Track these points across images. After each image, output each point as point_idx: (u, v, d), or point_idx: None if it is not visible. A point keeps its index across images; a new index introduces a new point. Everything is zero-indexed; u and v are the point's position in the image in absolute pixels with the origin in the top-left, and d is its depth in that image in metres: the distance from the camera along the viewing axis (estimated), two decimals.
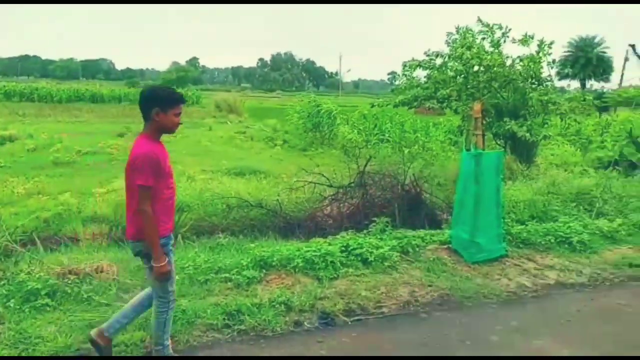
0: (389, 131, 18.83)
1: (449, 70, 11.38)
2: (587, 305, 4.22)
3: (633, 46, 12.02)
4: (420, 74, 12.51)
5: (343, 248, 5.02)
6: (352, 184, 7.99)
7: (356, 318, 3.93)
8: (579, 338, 3.64)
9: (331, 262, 4.70)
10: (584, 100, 12.16)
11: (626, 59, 30.21)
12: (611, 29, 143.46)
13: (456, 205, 5.41)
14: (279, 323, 3.69)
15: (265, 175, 10.95)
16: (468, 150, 5.22)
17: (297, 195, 8.01)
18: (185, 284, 4.21)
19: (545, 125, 11.16)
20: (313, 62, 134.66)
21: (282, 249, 4.86)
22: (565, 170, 11.20)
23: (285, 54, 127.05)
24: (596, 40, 42.24)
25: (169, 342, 3.15)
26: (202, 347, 3.42)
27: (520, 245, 5.59)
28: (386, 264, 4.93)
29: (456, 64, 11.18)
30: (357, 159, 8.68)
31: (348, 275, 4.61)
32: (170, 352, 3.14)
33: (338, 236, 5.66)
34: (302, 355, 3.37)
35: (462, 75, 11.40)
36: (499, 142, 12.40)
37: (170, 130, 2.93)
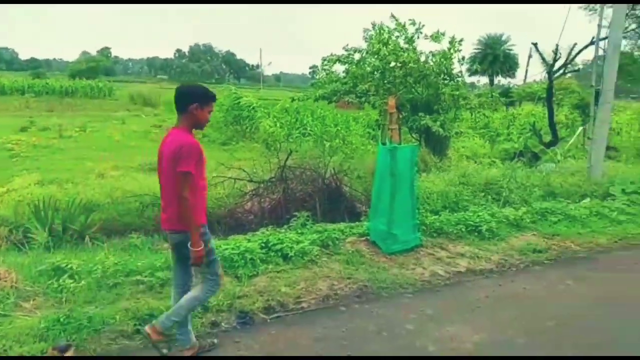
0: (310, 125, 18.89)
1: (366, 65, 11.60)
2: (495, 291, 4.45)
3: (535, 44, 12.83)
4: (340, 68, 12.68)
5: (263, 244, 4.94)
6: (273, 179, 7.92)
7: (275, 315, 3.88)
8: (488, 323, 3.82)
9: (250, 259, 4.61)
10: (492, 95, 12.84)
11: (530, 57, 32.49)
12: (516, 28, 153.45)
13: (373, 197, 5.51)
14: (194, 325, 3.55)
15: None
16: (384, 144, 5.32)
17: (217, 191, 7.81)
18: (92, 289, 3.95)
19: (457, 120, 11.71)
20: (233, 54, 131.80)
21: None
22: (475, 162, 11.84)
23: (204, 45, 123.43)
24: (503, 38, 44.99)
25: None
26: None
27: (434, 235, 5.81)
28: (306, 258, 4.92)
29: (373, 59, 11.42)
30: (278, 153, 8.63)
31: (268, 272, 4.55)
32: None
33: (258, 232, 5.57)
34: (288, 356, 3.32)
35: (379, 71, 11.66)
36: (414, 136, 12.85)
37: (203, 125, 3.08)
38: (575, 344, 3.51)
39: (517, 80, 42.51)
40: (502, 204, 7.29)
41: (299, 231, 5.70)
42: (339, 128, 17.83)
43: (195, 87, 3.15)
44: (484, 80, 46.02)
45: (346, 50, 11.63)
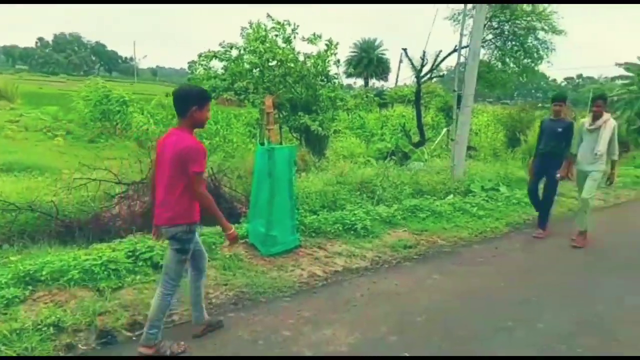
0: None
1: (245, 62, 11.42)
2: (370, 289, 4.56)
3: (405, 50, 13.60)
4: (218, 65, 12.34)
5: (130, 253, 4.55)
6: (146, 180, 7.41)
7: (142, 332, 3.57)
8: (363, 322, 3.88)
9: (115, 270, 4.21)
10: (367, 97, 13.39)
11: (400, 62, 34.52)
12: (388, 34, 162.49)
13: (252, 199, 5.37)
14: (45, 349, 3.14)
15: (42, 171, 9.52)
16: (262, 144, 5.20)
17: (80, 194, 7.10)
18: None
19: (335, 120, 12.00)
20: (104, 45, 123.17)
21: (54, 260, 4.18)
22: (352, 161, 12.23)
23: (70, 34, 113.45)
24: (376, 43, 47.39)
25: (163, 325, 3.30)
26: None
27: (313, 235, 5.83)
28: None
29: (252, 57, 11.27)
30: (151, 153, 8.10)
31: (135, 283, 4.19)
32: (162, 335, 3.28)
33: (126, 239, 5.14)
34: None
35: (258, 69, 11.56)
36: (294, 135, 12.95)
37: (203, 124, 3.24)
38: (443, 337, 3.70)
39: (390, 83, 45.09)
40: (376, 202, 7.57)
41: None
42: (220, 126, 17.40)
43: (192, 89, 3.29)
44: (360, 82, 48.12)
45: (222, 47, 11.33)
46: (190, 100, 3.11)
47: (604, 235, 6.65)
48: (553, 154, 6.34)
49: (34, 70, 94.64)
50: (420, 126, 14.24)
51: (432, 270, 5.15)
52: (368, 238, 5.94)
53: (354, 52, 46.52)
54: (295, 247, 5.37)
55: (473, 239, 6.37)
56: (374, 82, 48.24)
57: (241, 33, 11.45)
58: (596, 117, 6.03)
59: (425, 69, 13.16)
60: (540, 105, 38.62)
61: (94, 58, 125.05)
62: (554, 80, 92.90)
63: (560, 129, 6.26)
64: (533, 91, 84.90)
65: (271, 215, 5.04)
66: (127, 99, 17.90)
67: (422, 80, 13.22)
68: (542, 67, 14.34)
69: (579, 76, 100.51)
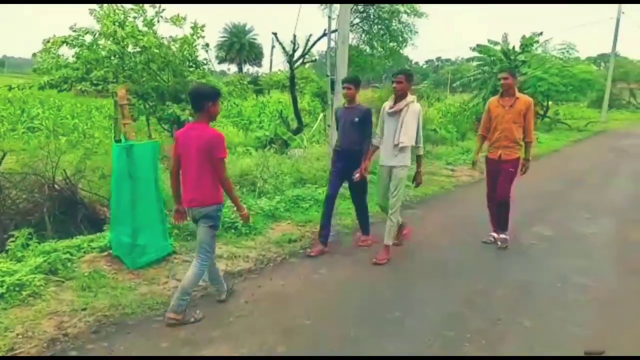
0: (41, 117, 16.13)
1: (100, 49, 10.21)
2: (255, 294, 4.20)
3: (275, 34, 13.25)
4: (69, 52, 10.92)
5: None
6: None
7: None
8: (248, 335, 3.52)
9: None
10: (240, 83, 12.83)
11: (273, 47, 34.23)
12: (258, 18, 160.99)
13: (112, 205, 4.69)
14: None
15: None
16: (118, 141, 4.53)
17: None
18: None
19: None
20: None
21: None
22: (231, 152, 11.69)
23: None
24: (247, 28, 46.44)
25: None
26: None
27: (189, 238, 5.31)
28: (25, 292, 3.89)
29: (109, 42, 10.12)
30: None
31: None
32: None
33: None
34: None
35: (117, 56, 10.43)
36: (164, 127, 12.03)
37: (215, 117, 3.75)
38: (333, 340, 3.47)
39: (264, 69, 44.59)
40: (257, 195, 7.20)
41: (19, 255, 4.55)
42: (78, 120, 15.72)
43: (206, 87, 3.99)
44: (234, 68, 46.98)
45: (74, 31, 10.02)
46: (206, 97, 3.56)
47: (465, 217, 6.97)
48: (353, 152, 5.17)
49: None
50: (297, 112, 14.06)
51: (318, 264, 4.93)
52: (250, 235, 5.57)
53: (224, 37, 45.15)
54: (169, 254, 4.82)
55: (357, 226, 6.28)
56: (248, 68, 47.42)
57: (92, 13, 10.21)
58: (399, 97, 4.91)
59: (297, 54, 12.96)
60: None
61: None
62: (417, 63, 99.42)
63: (357, 119, 5.11)
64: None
65: (136, 221, 4.43)
66: None
67: (295, 65, 12.99)
68: (407, 50, 14.95)
69: (438, 59, 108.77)
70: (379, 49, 14.08)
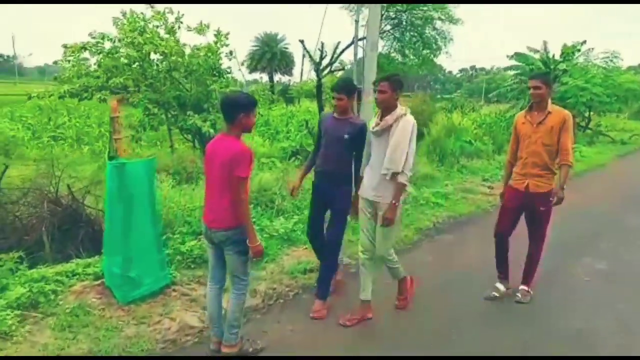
0: (67, 125, 16.05)
1: (121, 56, 9.90)
2: (257, 342, 3.59)
3: (302, 42, 12.69)
4: (92, 60, 10.68)
5: None
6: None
7: None
8: None
9: None
10: (264, 93, 12.34)
11: (304, 55, 33.86)
12: (290, 27, 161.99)
13: (106, 230, 4.17)
14: None
15: None
16: (112, 158, 4.02)
17: None
18: None
19: None
20: None
21: None
22: (255, 162, 11.20)
23: None
24: (279, 37, 46.35)
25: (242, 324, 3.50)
26: None
27: (192, 266, 4.76)
28: None
29: (129, 50, 9.80)
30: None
31: None
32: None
33: None
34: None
35: (138, 63, 10.11)
36: (186, 137, 11.67)
37: (250, 129, 3.34)
38: None
39: (295, 77, 44.34)
40: (275, 214, 6.63)
41: (4, 283, 4.09)
42: (103, 129, 15.55)
43: (239, 96, 3.39)
44: (265, 77, 46.96)
45: (93, 37, 9.75)
46: (238, 107, 3.20)
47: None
48: (338, 176, 4.09)
49: None
50: None
51: (336, 302, 4.28)
52: (262, 263, 4.97)
53: (256, 46, 45.14)
54: (167, 285, 4.27)
55: None
56: (280, 77, 47.30)
57: (115, 23, 9.93)
58: (384, 110, 3.79)
59: (325, 62, 12.40)
60: (439, 97, 39.88)
61: None
62: (450, 72, 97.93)
63: (347, 135, 3.97)
64: (432, 83, 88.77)
65: (128, 250, 3.91)
66: None
67: (323, 74, 12.43)
68: (441, 59, 14.25)
69: (472, 67, 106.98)
70: (411, 57, 13.41)
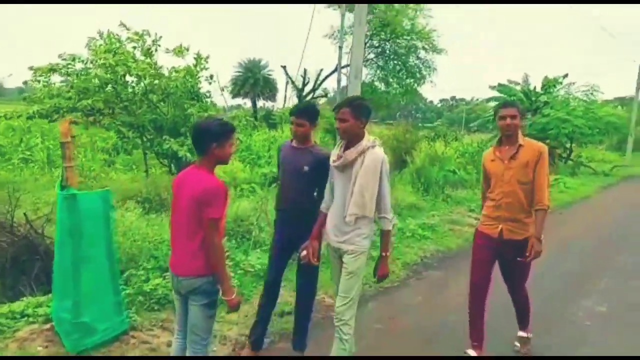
0: (39, 147, 15.40)
1: (93, 78, 9.46)
2: None
3: (284, 67, 12.57)
4: (60, 80, 10.22)
5: None
6: None
7: None
8: None
9: None
10: (246, 119, 11.98)
11: (287, 82, 33.83)
12: (273, 53, 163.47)
13: (55, 270, 3.66)
14: None
15: None
16: (64, 187, 3.54)
17: None
18: None
19: None
20: None
21: None
22: (235, 189, 10.74)
23: None
24: (262, 63, 46.36)
25: None
26: None
27: (156, 307, 4.26)
28: None
29: (101, 71, 9.38)
30: None
31: None
32: None
33: None
34: None
35: (111, 85, 9.68)
36: (163, 162, 11.19)
37: (226, 161, 2.85)
38: None
39: (279, 103, 44.20)
40: (251, 246, 6.18)
41: None
42: (79, 151, 14.92)
43: (211, 123, 2.84)
44: (249, 103, 46.75)
45: (63, 59, 9.32)
46: (210, 136, 2.75)
47: None
48: (301, 214, 3.54)
49: None
50: None
51: (314, 350, 3.82)
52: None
53: (239, 71, 45.04)
54: (124, 332, 3.76)
55: (366, 291, 5.18)
56: (264, 103, 47.15)
57: (88, 45, 9.53)
58: (349, 141, 3.20)
59: (308, 88, 12.16)
60: (420, 125, 40.10)
61: None
62: (431, 101, 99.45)
63: (306, 167, 3.46)
64: (413, 112, 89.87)
65: (79, 293, 3.41)
66: None
67: (305, 100, 12.16)
68: (423, 88, 14.14)
69: (453, 98, 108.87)
70: (395, 85, 13.25)
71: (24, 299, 4.36)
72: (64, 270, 3.45)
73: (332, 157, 3.24)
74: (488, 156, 3.79)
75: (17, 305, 4.14)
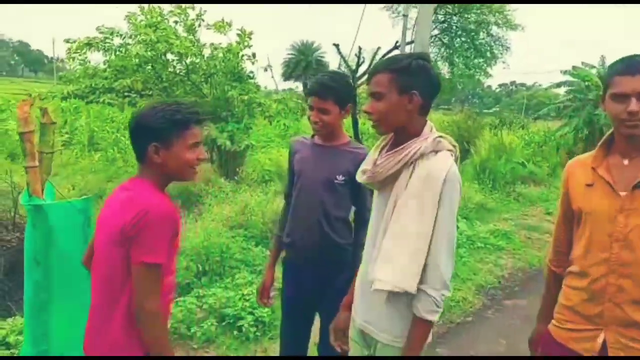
0: (81, 129, 15.07)
1: (132, 55, 8.71)
2: None
3: (337, 46, 11.36)
4: (99, 58, 9.58)
5: None
6: None
7: None
8: None
9: None
10: (295, 100, 10.97)
11: (340, 63, 32.63)
12: (327, 35, 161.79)
13: (25, 304, 2.75)
14: None
15: None
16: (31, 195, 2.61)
17: None
18: None
19: (250, 130, 9.53)
20: (27, 45, 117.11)
21: None
22: (278, 178, 9.81)
23: None
24: (314, 46, 45.42)
25: None
26: None
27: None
28: None
29: (141, 48, 8.61)
30: None
31: None
32: None
33: None
34: None
35: (150, 64, 8.92)
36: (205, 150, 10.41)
37: (181, 173, 1.73)
38: None
39: None
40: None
41: None
42: (119, 134, 14.46)
43: (148, 113, 1.69)
44: (301, 86, 46.08)
45: (100, 32, 8.61)
46: (146, 133, 1.66)
47: None
48: (328, 253, 2.29)
49: None
50: (356, 135, 12.01)
51: None
52: (261, 341, 3.50)
53: (292, 54, 44.35)
54: None
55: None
56: None
57: (128, 18, 8.77)
58: (394, 138, 1.78)
59: (363, 69, 10.98)
60: (478, 111, 37.83)
61: (17, 58, 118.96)
62: (489, 86, 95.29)
63: (341, 177, 2.24)
64: (470, 97, 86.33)
65: (46, 343, 2.49)
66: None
67: (359, 82, 10.99)
68: (497, 70, 12.64)
69: (513, 82, 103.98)
70: (461, 65, 11.81)
71: (9, 320, 3.59)
72: (30, 307, 2.55)
73: (362, 166, 1.83)
74: (578, 173, 1.81)
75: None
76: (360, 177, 1.81)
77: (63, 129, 15.07)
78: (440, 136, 1.69)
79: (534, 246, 6.59)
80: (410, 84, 1.64)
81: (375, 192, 1.84)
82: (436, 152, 1.66)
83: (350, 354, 1.93)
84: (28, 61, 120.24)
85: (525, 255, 6.09)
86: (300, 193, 2.31)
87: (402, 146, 1.68)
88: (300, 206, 2.31)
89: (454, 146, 1.71)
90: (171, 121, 1.67)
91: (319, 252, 2.22)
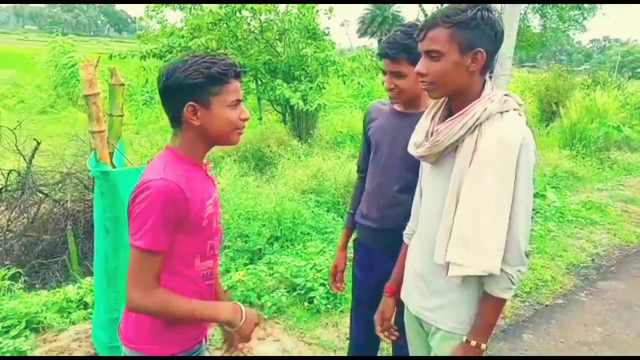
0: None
1: (205, 14, 8.63)
2: None
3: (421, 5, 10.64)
4: (177, 17, 9.63)
5: None
6: (11, 187, 4.90)
7: None
8: None
9: None
10: (369, 57, 10.46)
11: (417, 17, 31.20)
12: None
13: (94, 270, 2.76)
14: None
15: None
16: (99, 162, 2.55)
17: None
18: None
19: (323, 90, 9.26)
20: (112, 5, 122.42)
21: None
22: (350, 143, 9.56)
23: None
24: None
25: None
26: None
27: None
28: None
29: (215, 6, 8.51)
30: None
31: None
32: None
33: None
34: None
35: (225, 22, 8.82)
36: (277, 110, 10.32)
37: (228, 138, 1.48)
38: None
39: None
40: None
41: None
42: None
43: (182, 67, 1.39)
44: (376, 43, 44.69)
45: None
46: (181, 92, 1.39)
47: None
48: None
49: (42, 30, 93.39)
50: None
51: None
52: (333, 314, 3.37)
53: (368, 9, 42.91)
54: None
55: (517, 306, 3.75)
56: None
57: None
58: (451, 100, 1.53)
59: None
60: (567, 69, 34.88)
61: (103, 18, 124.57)
62: (579, 42, 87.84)
63: None
64: (557, 53, 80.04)
65: (118, 307, 2.49)
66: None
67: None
68: (594, 23, 11.38)
69: (606, 38, 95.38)
70: (554, 18, 10.71)
71: (87, 279, 3.69)
72: (99, 274, 2.54)
73: (413, 137, 1.61)
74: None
75: (74, 291, 3.47)
76: (414, 150, 1.59)
77: (144, 88, 15.58)
78: (506, 94, 1.47)
79: (631, 221, 5.96)
80: (475, 41, 1.39)
81: (428, 167, 1.63)
82: (502, 112, 1.43)
83: (408, 337, 1.79)
84: (113, 21, 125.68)
85: (621, 230, 5.51)
86: (377, 169, 2.03)
87: (462, 110, 1.45)
88: (376, 184, 2.04)
89: (519, 105, 1.48)
90: (208, 76, 1.40)
91: (396, 236, 1.89)
